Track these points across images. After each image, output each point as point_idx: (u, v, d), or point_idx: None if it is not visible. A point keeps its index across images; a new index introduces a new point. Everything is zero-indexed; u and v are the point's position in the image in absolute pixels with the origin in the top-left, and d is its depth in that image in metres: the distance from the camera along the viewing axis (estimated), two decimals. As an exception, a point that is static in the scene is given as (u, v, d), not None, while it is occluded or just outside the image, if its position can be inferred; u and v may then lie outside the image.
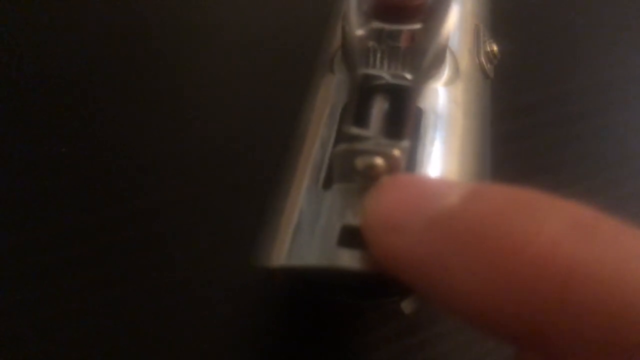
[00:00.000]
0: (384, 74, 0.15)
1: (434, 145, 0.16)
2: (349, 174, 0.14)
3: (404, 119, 0.14)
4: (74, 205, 0.23)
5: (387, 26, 0.16)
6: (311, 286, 0.18)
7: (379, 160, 0.14)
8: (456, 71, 0.18)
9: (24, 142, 0.25)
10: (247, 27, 0.30)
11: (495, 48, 0.20)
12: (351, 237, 0.13)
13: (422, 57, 0.15)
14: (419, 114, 0.16)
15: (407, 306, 0.18)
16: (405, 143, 0.14)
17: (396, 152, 0.13)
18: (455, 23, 0.15)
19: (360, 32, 0.16)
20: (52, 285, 0.21)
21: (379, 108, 0.15)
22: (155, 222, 0.23)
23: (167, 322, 0.20)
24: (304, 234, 0.14)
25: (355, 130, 0.14)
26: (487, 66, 0.20)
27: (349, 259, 0.13)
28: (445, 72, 0.17)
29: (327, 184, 0.15)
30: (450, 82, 0.17)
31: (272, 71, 0.28)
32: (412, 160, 0.15)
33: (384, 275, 0.13)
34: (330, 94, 0.17)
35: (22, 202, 0.23)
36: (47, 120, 0.26)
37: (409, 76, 0.15)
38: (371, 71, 0.15)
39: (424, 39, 0.16)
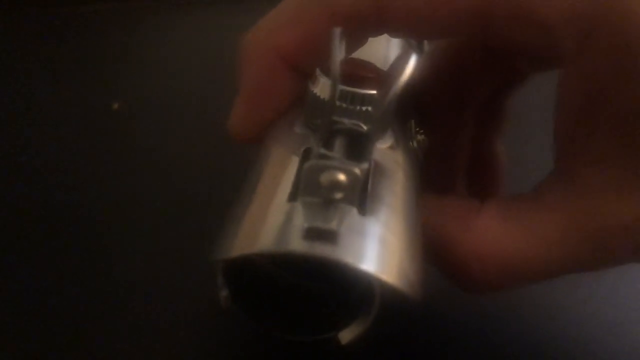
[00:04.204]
0: (346, 121, 0.19)
1: (380, 188, 0.18)
2: (314, 189, 0.16)
3: (363, 149, 0.17)
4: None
5: (350, 89, 0.20)
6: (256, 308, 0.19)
7: (342, 177, 0.16)
8: (397, 142, 0.21)
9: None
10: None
11: (424, 137, 0.24)
12: (316, 235, 0.15)
13: (376, 113, 0.19)
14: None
15: (344, 336, 0.19)
16: (365, 165, 0.16)
17: (357, 170, 0.16)
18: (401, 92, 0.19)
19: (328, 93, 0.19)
20: None
21: (341, 143, 0.18)
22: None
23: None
24: (269, 229, 0.16)
25: (323, 150, 0.17)
26: (418, 150, 0.24)
27: (319, 249, 0.15)
28: (389, 140, 0.21)
29: (292, 197, 0.17)
30: (392, 148, 0.21)
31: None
32: (363, 192, 0.18)
33: (348, 269, 0.15)
34: (292, 138, 0.20)
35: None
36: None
37: (365, 127, 0.19)
38: (336, 118, 0.19)
39: (379, 101, 0.19)
